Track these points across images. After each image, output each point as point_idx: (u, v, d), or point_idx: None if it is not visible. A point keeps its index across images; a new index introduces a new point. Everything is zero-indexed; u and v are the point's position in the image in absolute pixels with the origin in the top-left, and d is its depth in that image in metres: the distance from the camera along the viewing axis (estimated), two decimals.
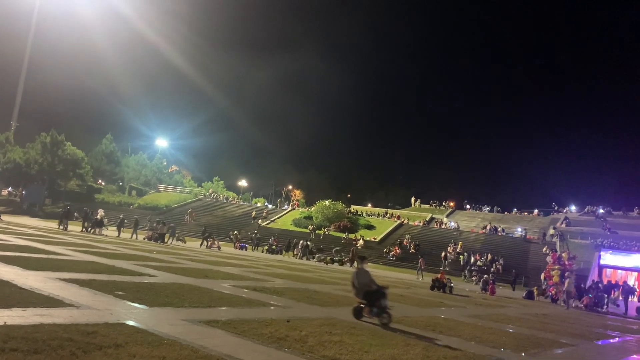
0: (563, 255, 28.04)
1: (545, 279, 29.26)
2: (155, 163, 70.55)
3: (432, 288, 23.14)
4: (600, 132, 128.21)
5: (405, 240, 44.72)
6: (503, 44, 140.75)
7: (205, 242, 35.29)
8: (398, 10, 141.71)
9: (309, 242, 39.67)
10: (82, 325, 6.38)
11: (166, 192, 64.58)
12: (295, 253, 38.37)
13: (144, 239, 34.19)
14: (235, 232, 42.55)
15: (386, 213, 58.59)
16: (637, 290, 33.57)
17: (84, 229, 33.56)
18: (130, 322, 6.98)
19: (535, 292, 27.54)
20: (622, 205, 56.47)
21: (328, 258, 36.28)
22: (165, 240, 34.11)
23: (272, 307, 10.39)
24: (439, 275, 24.35)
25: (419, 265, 32.43)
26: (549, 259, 31.63)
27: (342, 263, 35.43)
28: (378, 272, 31.88)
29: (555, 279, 26.64)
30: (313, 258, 36.95)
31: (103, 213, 35.46)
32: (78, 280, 10.11)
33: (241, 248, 38.32)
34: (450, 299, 19.26)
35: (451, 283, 23.78)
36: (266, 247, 39.64)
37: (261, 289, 13.07)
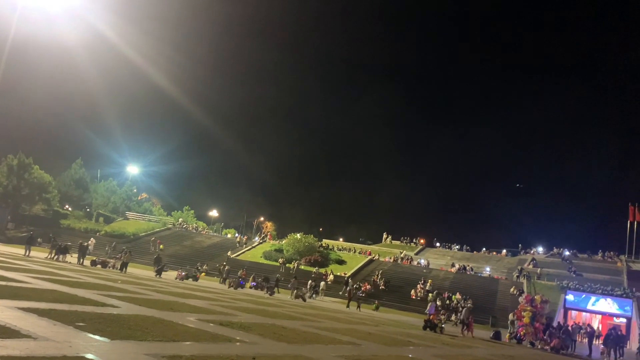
0: (536, 297, 28.26)
1: (515, 319, 29.39)
2: (125, 190, 69.33)
3: (424, 328, 23.78)
4: (568, 176, 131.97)
5: (375, 277, 44.62)
6: (471, 95, 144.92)
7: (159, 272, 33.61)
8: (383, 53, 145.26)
9: (323, 283, 38.74)
10: (39, 358, 6.15)
11: (134, 220, 63.39)
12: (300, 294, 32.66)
13: (109, 267, 33.29)
14: (227, 267, 40.33)
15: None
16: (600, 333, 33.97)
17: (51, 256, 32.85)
18: (90, 356, 6.75)
19: (507, 337, 27.69)
20: (587, 248, 57.86)
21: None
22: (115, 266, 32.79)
23: (237, 343, 10.16)
24: (431, 316, 25.03)
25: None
26: (521, 299, 31.88)
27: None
28: (350, 309, 31.63)
29: (526, 320, 26.80)
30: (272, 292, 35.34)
31: (94, 242, 34.18)
32: (37, 310, 9.76)
33: (242, 286, 35.17)
34: (420, 338, 19.17)
35: (442, 323, 24.31)
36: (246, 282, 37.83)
37: (227, 324, 12.81)
